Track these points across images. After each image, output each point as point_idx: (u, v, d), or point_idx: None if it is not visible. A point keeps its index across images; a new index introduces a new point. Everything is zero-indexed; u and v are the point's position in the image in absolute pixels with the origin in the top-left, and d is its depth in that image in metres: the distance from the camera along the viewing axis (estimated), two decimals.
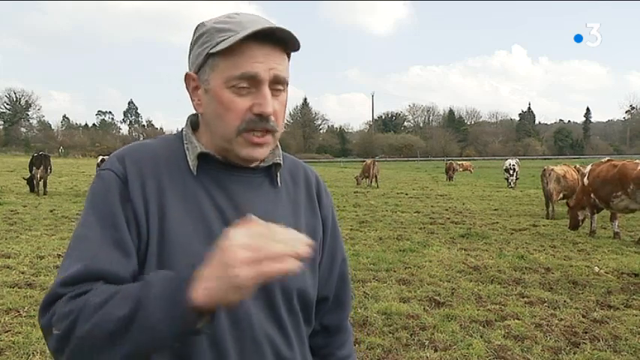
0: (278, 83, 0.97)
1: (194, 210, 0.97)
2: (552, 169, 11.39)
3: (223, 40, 0.94)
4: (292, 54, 1.01)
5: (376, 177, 20.98)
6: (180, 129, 1.10)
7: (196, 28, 1.01)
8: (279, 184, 1.07)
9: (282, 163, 1.07)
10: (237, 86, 0.95)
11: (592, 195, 8.81)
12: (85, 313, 0.80)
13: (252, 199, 1.02)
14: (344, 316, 1.21)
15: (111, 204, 0.93)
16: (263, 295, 0.98)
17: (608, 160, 9.13)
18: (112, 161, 1.00)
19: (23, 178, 15.55)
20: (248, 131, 0.96)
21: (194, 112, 1.06)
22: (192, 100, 1.03)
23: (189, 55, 1.02)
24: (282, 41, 0.97)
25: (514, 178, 20.56)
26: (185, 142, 1.03)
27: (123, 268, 0.89)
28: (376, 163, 21.61)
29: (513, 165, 20.93)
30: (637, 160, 8.71)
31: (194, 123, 1.06)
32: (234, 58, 0.94)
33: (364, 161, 23.07)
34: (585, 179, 9.09)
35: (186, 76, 1.02)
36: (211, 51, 0.95)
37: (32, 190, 14.85)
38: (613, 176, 8.35)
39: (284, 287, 1.01)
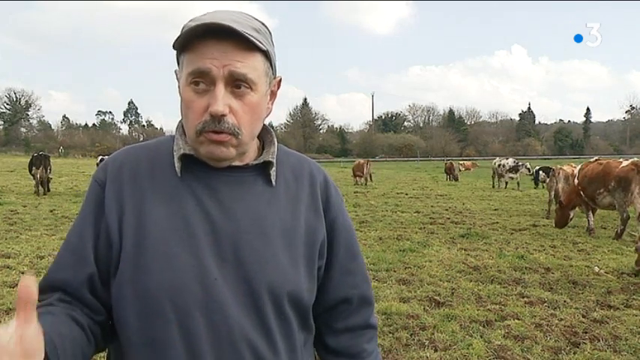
0: (238, 81, 0.92)
1: (176, 212, 0.95)
2: (561, 169, 11.43)
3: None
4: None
5: (370, 176, 21.48)
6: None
7: None
8: (273, 182, 1.03)
9: (274, 161, 1.03)
10: (194, 83, 0.92)
11: (582, 193, 9.03)
12: None
13: (242, 199, 0.99)
14: (371, 312, 1.17)
15: (85, 213, 1.00)
16: (249, 296, 0.95)
17: (596, 160, 9.43)
18: (98, 168, 1.04)
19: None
20: (206, 132, 0.93)
21: None
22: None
23: None
24: (246, 39, 0.91)
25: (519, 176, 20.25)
26: (174, 143, 1.02)
27: (74, 275, 0.96)
28: (370, 162, 22.17)
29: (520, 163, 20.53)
30: (620, 159, 8.96)
31: None
32: (192, 54, 0.92)
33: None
34: (575, 179, 9.35)
35: (176, 75, 1.02)
36: (175, 47, 0.95)
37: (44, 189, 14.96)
38: (598, 174, 8.69)
39: (272, 291, 0.96)
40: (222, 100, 0.91)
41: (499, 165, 21.13)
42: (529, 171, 20.66)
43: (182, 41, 0.92)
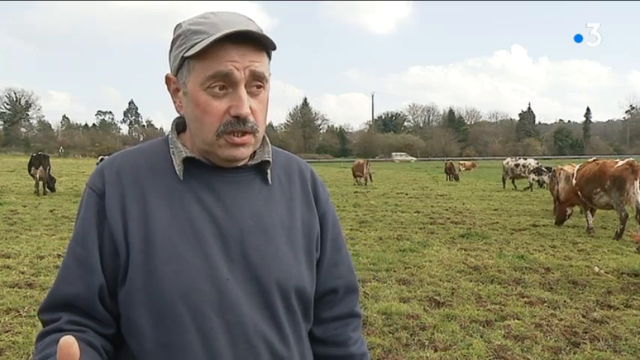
0: (256, 80, 0.95)
1: (180, 215, 0.96)
2: (562, 169, 11.43)
3: (198, 43, 0.92)
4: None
5: (370, 176, 21.58)
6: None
7: (174, 29, 1.00)
8: (269, 181, 1.06)
9: (271, 160, 1.05)
10: (212, 87, 0.93)
11: (579, 193, 9.06)
12: None
13: (243, 198, 1.01)
14: (356, 300, 1.20)
15: (84, 222, 0.98)
16: (259, 294, 0.97)
17: (594, 160, 9.45)
18: (93, 175, 1.02)
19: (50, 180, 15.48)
20: (228, 133, 0.94)
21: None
22: (174, 103, 1.02)
23: (169, 56, 1.01)
24: (258, 41, 0.95)
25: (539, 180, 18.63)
26: (171, 146, 1.02)
27: (85, 287, 0.94)
28: (369, 162, 22.27)
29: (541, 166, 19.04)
30: (617, 160, 8.99)
31: (180, 126, 1.06)
32: (208, 60, 0.93)
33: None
34: (573, 179, 9.37)
35: (166, 79, 1.02)
36: (186, 54, 0.94)
37: (51, 190, 15.00)
38: (594, 174, 8.73)
39: (281, 286, 1.00)
40: (246, 101, 0.94)
41: (516, 165, 19.53)
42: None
43: (201, 49, 0.91)
